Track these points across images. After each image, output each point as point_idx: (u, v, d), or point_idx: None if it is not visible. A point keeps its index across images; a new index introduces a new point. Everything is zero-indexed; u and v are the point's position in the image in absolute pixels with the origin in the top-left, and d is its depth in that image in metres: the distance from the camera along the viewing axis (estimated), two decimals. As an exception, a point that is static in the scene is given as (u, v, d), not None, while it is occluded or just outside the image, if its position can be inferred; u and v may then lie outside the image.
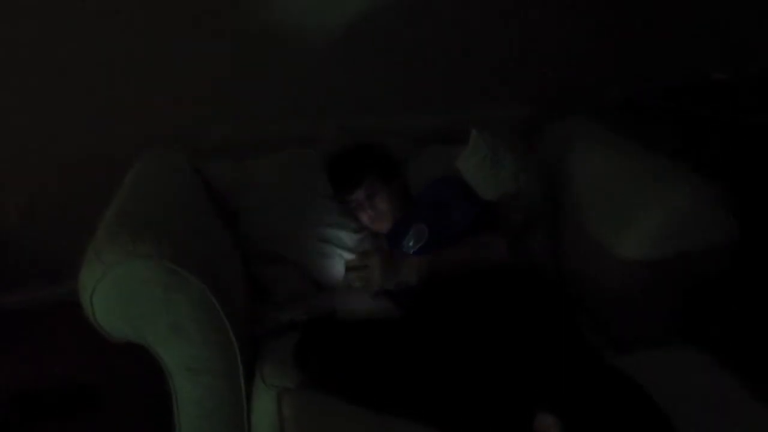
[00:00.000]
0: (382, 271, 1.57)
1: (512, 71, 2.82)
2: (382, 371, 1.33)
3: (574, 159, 1.90)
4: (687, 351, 1.49)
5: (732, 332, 1.78)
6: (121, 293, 1.29)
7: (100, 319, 1.31)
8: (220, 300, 1.33)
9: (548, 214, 1.88)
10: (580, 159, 1.88)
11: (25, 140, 2.31)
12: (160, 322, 1.33)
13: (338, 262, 1.73)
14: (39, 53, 2.23)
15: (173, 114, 2.39)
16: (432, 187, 1.86)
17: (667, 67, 2.88)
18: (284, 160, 1.87)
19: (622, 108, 2.42)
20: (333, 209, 1.81)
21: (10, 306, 2.37)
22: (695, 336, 1.55)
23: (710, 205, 1.58)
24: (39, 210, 2.39)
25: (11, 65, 2.22)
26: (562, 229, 1.86)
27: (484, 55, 2.76)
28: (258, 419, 1.42)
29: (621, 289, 1.64)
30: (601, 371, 1.23)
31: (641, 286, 1.61)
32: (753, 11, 2.83)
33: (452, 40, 2.70)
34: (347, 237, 1.78)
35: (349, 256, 1.73)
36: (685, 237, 1.57)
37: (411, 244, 1.71)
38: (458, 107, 2.60)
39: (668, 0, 2.89)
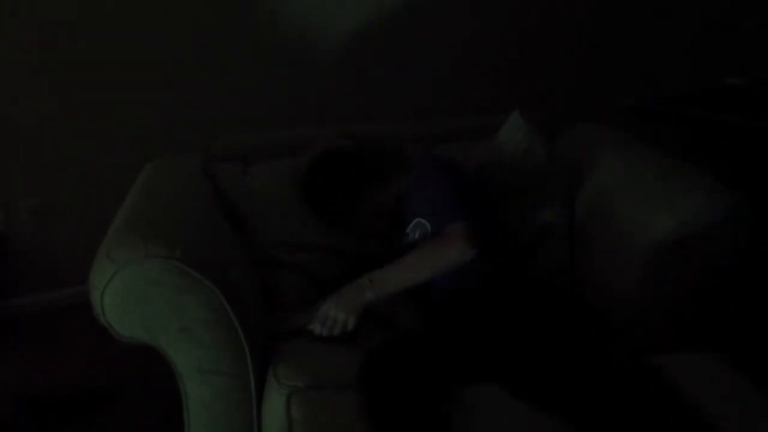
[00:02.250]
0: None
1: (520, 77, 2.82)
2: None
3: (591, 165, 1.88)
4: (704, 356, 1.47)
5: (744, 337, 1.76)
6: (131, 294, 1.29)
7: (110, 319, 1.30)
8: (230, 302, 1.33)
9: (564, 220, 1.86)
10: (597, 165, 1.87)
11: (35, 142, 2.32)
12: (171, 324, 1.32)
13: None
14: (48, 56, 2.24)
15: (183, 118, 2.40)
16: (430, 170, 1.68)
17: (680, 73, 2.87)
18: (287, 165, 1.84)
19: (635, 114, 2.41)
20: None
21: (22, 308, 2.37)
22: (708, 341, 1.53)
23: (724, 211, 1.57)
24: (50, 212, 2.40)
25: (20, 69, 2.23)
26: (579, 235, 1.84)
27: (493, 61, 2.76)
28: (268, 422, 1.41)
29: (634, 294, 1.62)
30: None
31: (653, 290, 1.60)
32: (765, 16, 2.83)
33: (458, 46, 2.71)
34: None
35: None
36: (699, 242, 1.55)
37: (417, 236, 1.63)
38: (465, 113, 2.60)
39: (680, 6, 2.89)
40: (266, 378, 1.43)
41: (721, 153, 2.42)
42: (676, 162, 1.80)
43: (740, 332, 1.67)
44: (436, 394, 1.29)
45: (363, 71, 2.63)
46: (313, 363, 1.43)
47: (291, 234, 1.75)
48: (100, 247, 1.33)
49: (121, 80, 2.34)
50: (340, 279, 1.71)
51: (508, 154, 1.87)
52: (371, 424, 1.22)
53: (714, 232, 1.56)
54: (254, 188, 1.80)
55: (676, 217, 1.58)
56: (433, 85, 2.71)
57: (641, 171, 1.80)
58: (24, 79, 2.24)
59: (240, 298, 1.38)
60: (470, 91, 2.74)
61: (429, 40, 2.67)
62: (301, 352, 1.46)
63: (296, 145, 1.92)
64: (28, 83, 2.25)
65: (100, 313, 1.30)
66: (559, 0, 2.80)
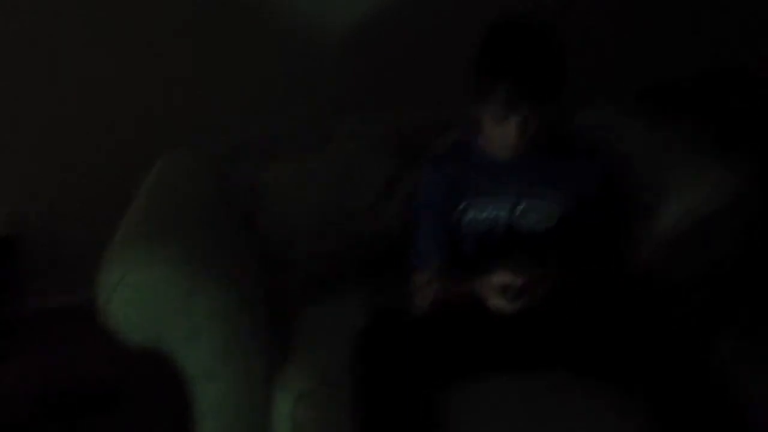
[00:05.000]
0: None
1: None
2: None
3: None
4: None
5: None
6: (139, 297, 1.28)
7: (118, 323, 1.30)
8: (239, 304, 1.33)
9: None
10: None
11: (43, 143, 2.32)
12: (179, 328, 1.32)
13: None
14: (54, 57, 2.24)
15: (192, 116, 2.39)
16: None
17: (687, 57, 2.83)
18: (299, 163, 1.83)
19: (644, 98, 2.38)
20: (352, 211, 1.77)
21: (30, 309, 2.38)
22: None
23: (731, 198, 1.56)
24: (59, 213, 2.39)
25: (27, 69, 2.23)
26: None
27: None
28: (278, 424, 1.41)
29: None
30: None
31: (661, 277, 1.58)
32: None
33: (462, 34, 2.68)
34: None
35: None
36: (706, 229, 1.55)
37: (523, 213, 1.49)
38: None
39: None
40: (274, 380, 1.42)
41: (732, 137, 2.39)
42: (686, 147, 1.78)
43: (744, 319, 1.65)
44: (428, 385, 1.27)
45: (373, 58, 2.60)
46: (320, 363, 1.42)
47: (305, 234, 1.74)
48: (108, 250, 1.33)
49: (129, 81, 2.32)
50: (350, 277, 1.71)
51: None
52: (360, 413, 1.24)
53: (720, 220, 1.54)
54: (269, 186, 1.78)
55: (684, 205, 1.57)
56: (436, 75, 2.68)
57: (650, 157, 1.77)
58: (26, 80, 2.24)
59: (249, 301, 1.37)
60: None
61: (438, 26, 2.64)
62: (309, 351, 1.45)
63: (309, 143, 1.91)
64: (31, 84, 2.25)
65: (108, 318, 1.30)
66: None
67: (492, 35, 1.43)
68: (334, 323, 1.52)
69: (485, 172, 1.52)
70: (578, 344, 1.35)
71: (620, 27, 2.84)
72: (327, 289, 1.69)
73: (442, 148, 1.70)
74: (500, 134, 1.40)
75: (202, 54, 2.37)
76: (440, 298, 1.44)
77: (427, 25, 2.61)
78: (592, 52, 2.77)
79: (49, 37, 2.20)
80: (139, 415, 1.91)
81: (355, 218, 1.74)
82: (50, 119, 2.29)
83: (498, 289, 1.32)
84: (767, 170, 2.12)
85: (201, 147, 1.87)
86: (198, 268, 1.27)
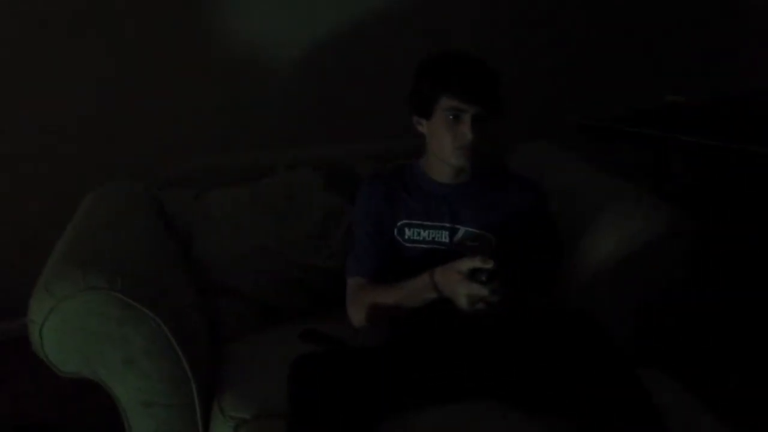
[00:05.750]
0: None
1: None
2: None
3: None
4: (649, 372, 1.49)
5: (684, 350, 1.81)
6: (71, 327, 1.27)
7: (50, 354, 1.28)
8: (175, 333, 1.31)
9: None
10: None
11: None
12: (113, 357, 1.30)
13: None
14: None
15: (134, 145, 2.37)
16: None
17: (622, 92, 2.93)
18: (240, 192, 1.83)
19: (580, 132, 2.45)
20: (292, 240, 1.77)
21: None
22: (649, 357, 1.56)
23: (664, 227, 1.61)
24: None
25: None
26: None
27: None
28: (215, 453, 1.39)
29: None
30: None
31: (601, 307, 1.62)
32: (703, 38, 2.92)
33: (412, 65, 2.73)
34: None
35: None
36: (641, 260, 1.59)
37: (462, 239, 1.51)
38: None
39: (622, 27, 2.96)
40: (213, 409, 1.40)
41: (665, 170, 2.48)
42: (619, 182, 1.85)
43: (680, 346, 1.71)
44: (362, 415, 1.25)
45: (316, 92, 2.63)
46: (259, 392, 1.40)
47: (242, 259, 1.73)
48: (39, 280, 1.31)
49: (59, 103, 2.29)
50: (291, 306, 1.71)
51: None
52: None
53: (654, 251, 1.59)
54: (207, 213, 1.77)
55: (619, 237, 1.61)
56: (388, 105, 2.73)
57: (586, 191, 1.84)
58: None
59: (185, 328, 1.36)
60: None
61: (381, 58, 2.68)
62: (247, 379, 1.44)
63: (248, 169, 1.92)
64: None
65: (39, 349, 1.28)
66: (503, 21, 2.85)
67: (433, 56, 1.52)
68: (273, 352, 1.51)
69: (421, 196, 1.56)
70: (511, 374, 1.35)
71: (561, 63, 2.94)
72: (266, 317, 1.68)
73: (383, 170, 1.73)
74: (453, 137, 1.46)
75: (140, 81, 2.36)
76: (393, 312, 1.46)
77: (369, 57, 2.66)
78: (534, 86, 2.87)
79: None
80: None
81: (295, 248, 1.75)
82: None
83: (467, 274, 1.29)
84: (700, 201, 2.21)
85: (137, 176, 1.86)
86: (131, 296, 1.26)
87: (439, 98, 1.45)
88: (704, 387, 1.52)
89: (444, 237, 1.52)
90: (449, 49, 1.52)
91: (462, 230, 1.52)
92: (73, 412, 1.94)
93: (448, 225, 1.52)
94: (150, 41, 2.34)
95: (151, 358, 1.31)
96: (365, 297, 1.51)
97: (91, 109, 2.33)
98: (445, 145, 1.48)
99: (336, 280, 1.65)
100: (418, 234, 1.54)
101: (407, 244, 1.53)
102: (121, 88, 2.34)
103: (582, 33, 2.96)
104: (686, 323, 1.87)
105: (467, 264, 1.30)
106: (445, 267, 1.35)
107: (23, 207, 2.33)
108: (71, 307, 1.25)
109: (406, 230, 1.54)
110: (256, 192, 1.82)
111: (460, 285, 1.31)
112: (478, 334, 1.40)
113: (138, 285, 1.29)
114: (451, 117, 1.44)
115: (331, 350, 1.45)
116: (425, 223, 1.54)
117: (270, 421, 1.34)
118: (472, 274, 1.29)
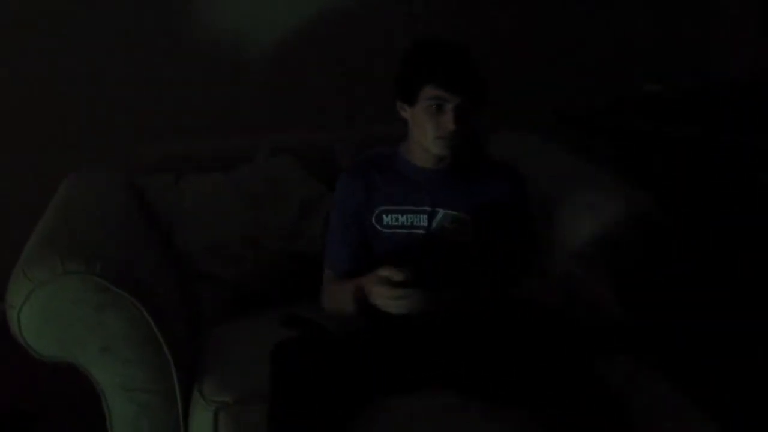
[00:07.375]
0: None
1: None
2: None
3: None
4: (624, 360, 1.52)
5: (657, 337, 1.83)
6: (49, 312, 1.26)
7: (28, 338, 1.28)
8: (153, 317, 1.31)
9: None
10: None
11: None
12: (92, 342, 1.30)
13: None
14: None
15: (112, 130, 2.35)
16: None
17: (600, 81, 2.95)
18: (220, 178, 1.83)
19: (558, 122, 2.47)
20: (273, 227, 1.77)
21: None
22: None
23: (640, 215, 1.64)
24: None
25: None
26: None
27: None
28: (196, 438, 1.39)
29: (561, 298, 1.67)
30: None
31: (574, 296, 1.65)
32: (683, 24, 2.94)
33: (392, 51, 2.73)
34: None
35: None
36: (616, 246, 1.62)
37: (440, 223, 1.54)
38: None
39: (599, 16, 2.98)
40: (192, 394, 1.41)
41: (640, 158, 2.50)
42: (597, 169, 1.88)
43: (652, 333, 1.73)
44: (339, 401, 1.28)
45: (293, 77, 2.62)
46: (239, 376, 1.41)
47: (222, 246, 1.73)
48: (17, 264, 1.30)
49: (36, 87, 2.27)
50: (271, 292, 1.71)
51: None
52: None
53: (629, 234, 1.62)
54: (187, 199, 1.77)
55: (595, 221, 1.65)
56: (368, 92, 2.72)
57: (565, 178, 1.87)
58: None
59: (164, 313, 1.36)
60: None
61: (361, 44, 2.68)
62: (227, 364, 1.44)
63: (227, 156, 1.92)
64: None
65: (18, 333, 1.27)
66: (481, 10, 2.86)
67: (419, 43, 1.52)
68: (254, 336, 1.51)
69: (401, 180, 1.56)
70: (468, 366, 1.37)
71: (541, 53, 2.95)
72: (247, 303, 1.69)
73: (363, 158, 1.73)
74: (435, 126, 1.46)
75: (120, 72, 2.34)
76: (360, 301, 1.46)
77: (350, 43, 2.65)
78: (515, 76, 2.87)
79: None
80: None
81: (274, 235, 1.75)
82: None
83: (381, 280, 1.35)
84: (673, 189, 2.24)
85: (115, 161, 1.85)
86: (109, 281, 1.25)
87: (423, 87, 1.45)
88: (692, 384, 1.54)
89: (423, 221, 1.54)
90: (436, 37, 1.51)
91: (441, 213, 1.54)
92: (51, 397, 1.94)
93: (428, 209, 1.53)
94: (129, 27, 2.32)
95: (130, 343, 1.31)
96: (330, 291, 1.56)
97: (68, 93, 2.31)
98: (426, 133, 1.48)
99: (315, 266, 1.64)
100: (396, 219, 1.54)
101: (385, 230, 1.54)
102: (99, 72, 2.32)
103: (563, 23, 2.97)
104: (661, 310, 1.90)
105: (383, 272, 1.35)
106: (370, 274, 1.40)
107: (0, 191, 2.30)
108: (49, 292, 1.25)
109: (384, 216, 1.55)
110: (236, 178, 1.82)
111: (374, 291, 1.36)
112: (437, 328, 1.43)
113: (116, 269, 1.28)
114: (434, 106, 1.44)
115: (312, 335, 1.46)
116: (404, 207, 1.54)
117: (250, 405, 1.34)
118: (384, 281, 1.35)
